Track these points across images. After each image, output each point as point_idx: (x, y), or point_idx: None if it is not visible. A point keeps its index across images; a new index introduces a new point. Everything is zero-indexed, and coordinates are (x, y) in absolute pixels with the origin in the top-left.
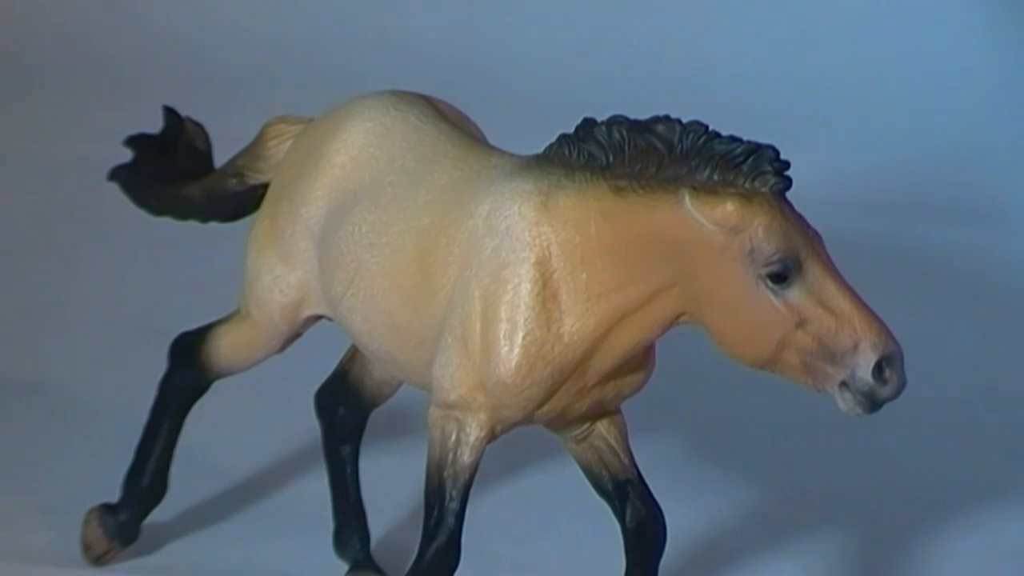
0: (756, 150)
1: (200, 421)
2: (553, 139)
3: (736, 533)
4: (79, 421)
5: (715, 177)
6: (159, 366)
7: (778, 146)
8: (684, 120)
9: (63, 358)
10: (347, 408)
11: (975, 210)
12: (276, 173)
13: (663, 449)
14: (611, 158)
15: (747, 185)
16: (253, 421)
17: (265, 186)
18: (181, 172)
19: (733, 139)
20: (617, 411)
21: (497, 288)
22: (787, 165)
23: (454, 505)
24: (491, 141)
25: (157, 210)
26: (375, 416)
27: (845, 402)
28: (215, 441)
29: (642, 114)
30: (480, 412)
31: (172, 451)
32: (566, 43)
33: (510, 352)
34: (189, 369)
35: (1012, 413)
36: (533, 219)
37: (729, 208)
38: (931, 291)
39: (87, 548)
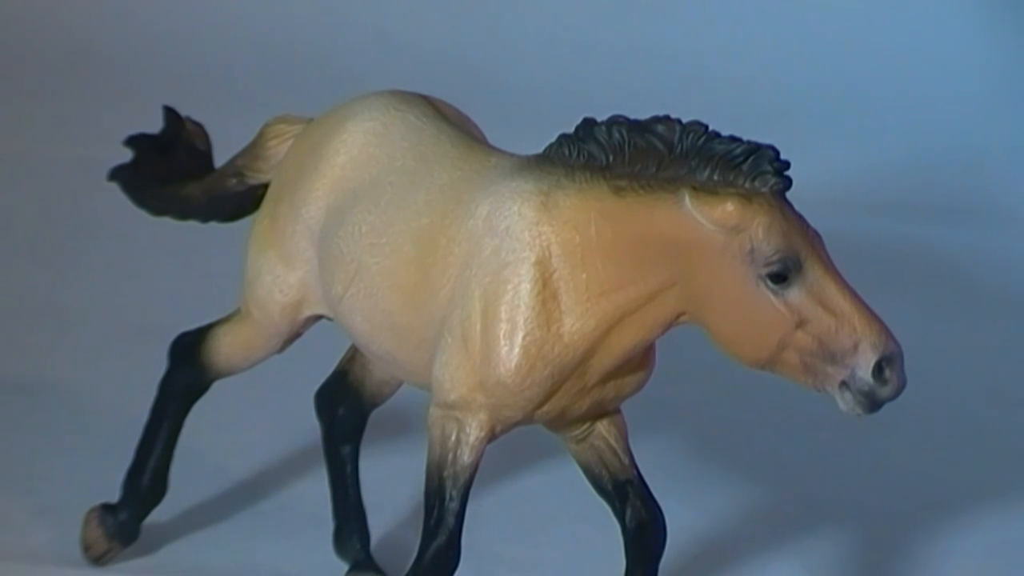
0: (756, 150)
1: (200, 421)
2: (553, 139)
3: (736, 533)
4: (79, 421)
5: (715, 177)
6: (159, 366)
7: (778, 146)
8: (684, 120)
9: (63, 358)
10: (347, 408)
11: (975, 210)
12: (276, 173)
13: (663, 449)
14: (611, 158)
15: (747, 185)
16: (253, 421)
17: (265, 186)
18: (181, 172)
19: (733, 139)
20: (617, 411)
21: (497, 288)
22: (787, 165)
23: (454, 505)
24: (491, 141)
25: (157, 210)
26: (375, 416)
27: (845, 402)
28: (215, 441)
29: (642, 114)
30: (480, 412)
31: (172, 451)
32: (566, 43)
33: (510, 352)
34: (189, 369)
35: (1013, 413)
36: (533, 219)
37: (729, 208)
38: (931, 291)
39: (87, 548)
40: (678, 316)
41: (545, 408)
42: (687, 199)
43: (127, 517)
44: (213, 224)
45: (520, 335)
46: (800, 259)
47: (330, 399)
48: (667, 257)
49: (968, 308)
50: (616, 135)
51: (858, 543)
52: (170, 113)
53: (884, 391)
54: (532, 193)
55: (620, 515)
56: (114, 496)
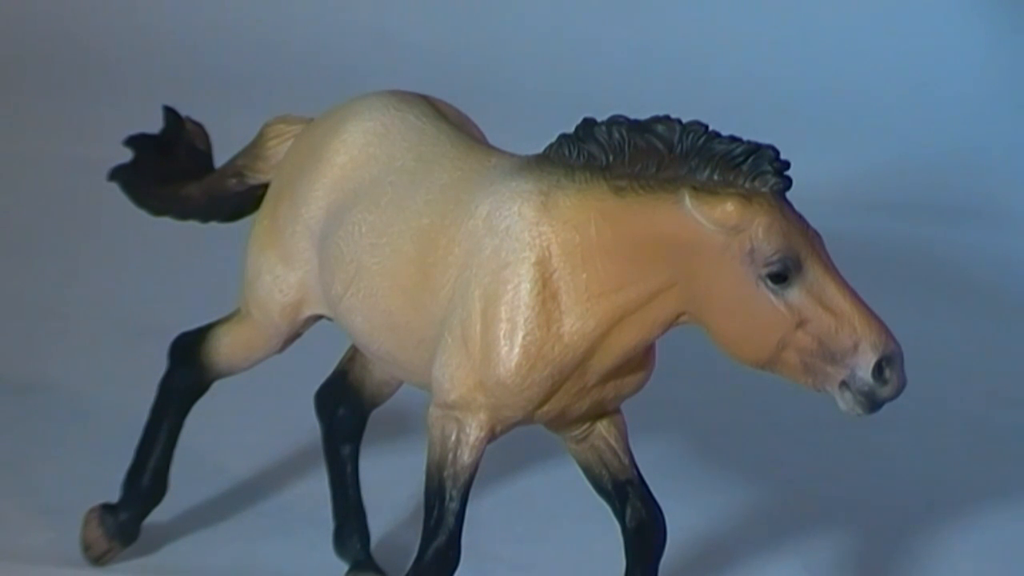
0: (756, 150)
1: (200, 421)
2: (553, 139)
3: (736, 533)
4: (79, 421)
5: (715, 177)
6: (159, 366)
7: (779, 146)
8: (684, 120)
9: (63, 358)
10: (347, 408)
11: (976, 210)
12: (276, 173)
13: (663, 449)
14: (611, 158)
15: (747, 185)
16: (253, 421)
17: (265, 186)
18: (181, 172)
19: (733, 139)
20: (617, 411)
21: (497, 288)
22: (787, 165)
23: (454, 505)
24: (491, 141)
25: (157, 210)
26: (375, 416)
27: (845, 402)
28: (215, 441)
29: (642, 114)
30: (480, 412)
31: (172, 451)
32: (566, 43)
33: (510, 352)
34: (189, 369)
35: (1013, 413)
36: (533, 219)
37: (729, 208)
38: (932, 291)
39: (87, 548)
40: (678, 316)
41: (545, 408)
42: (687, 199)
43: (127, 517)
44: (213, 224)
45: (520, 335)
46: (800, 259)
47: (330, 399)
48: (667, 257)
49: (968, 308)
50: (616, 135)
51: (858, 543)
52: (170, 113)
53: (884, 391)
54: (532, 193)
55: (620, 515)
56: (114, 496)
